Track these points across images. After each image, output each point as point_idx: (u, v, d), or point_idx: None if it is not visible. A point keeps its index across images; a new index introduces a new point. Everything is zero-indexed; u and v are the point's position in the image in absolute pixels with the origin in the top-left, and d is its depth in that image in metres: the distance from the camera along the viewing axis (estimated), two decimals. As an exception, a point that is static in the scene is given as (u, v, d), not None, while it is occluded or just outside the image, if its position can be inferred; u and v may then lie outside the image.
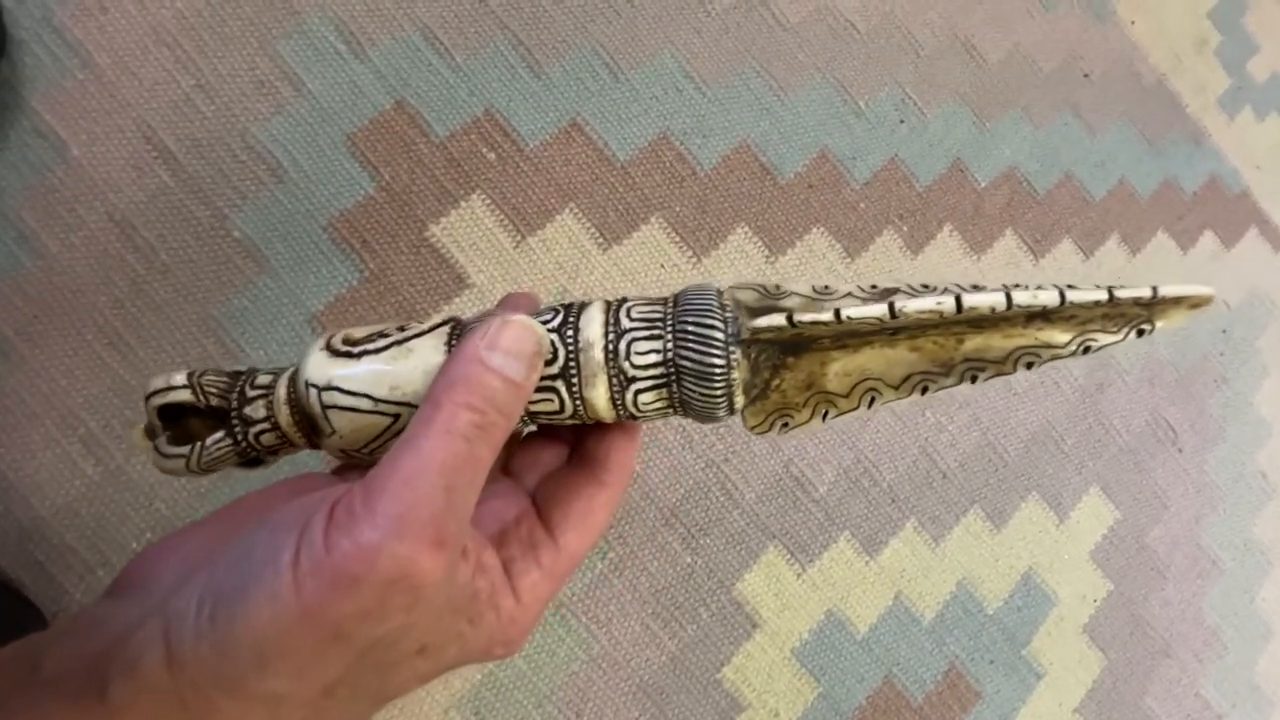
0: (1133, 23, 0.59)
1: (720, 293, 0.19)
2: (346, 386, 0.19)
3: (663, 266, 0.46)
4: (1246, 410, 0.59)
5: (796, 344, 0.19)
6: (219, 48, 0.39)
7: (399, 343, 0.19)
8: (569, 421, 0.19)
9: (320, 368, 0.19)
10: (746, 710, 0.44)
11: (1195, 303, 0.18)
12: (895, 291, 0.18)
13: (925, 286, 0.19)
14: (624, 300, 0.20)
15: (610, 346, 0.18)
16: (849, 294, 0.19)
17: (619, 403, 0.19)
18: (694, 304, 0.19)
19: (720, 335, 0.18)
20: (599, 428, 0.21)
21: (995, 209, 0.54)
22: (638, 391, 0.18)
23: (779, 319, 0.18)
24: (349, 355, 0.19)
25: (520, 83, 0.44)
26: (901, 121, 0.52)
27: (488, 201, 0.43)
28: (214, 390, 0.20)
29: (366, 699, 0.16)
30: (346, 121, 0.41)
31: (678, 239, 0.46)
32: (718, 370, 0.18)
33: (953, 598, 0.49)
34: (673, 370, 0.18)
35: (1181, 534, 0.56)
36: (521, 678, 0.40)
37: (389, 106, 0.41)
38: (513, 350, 0.17)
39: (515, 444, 0.22)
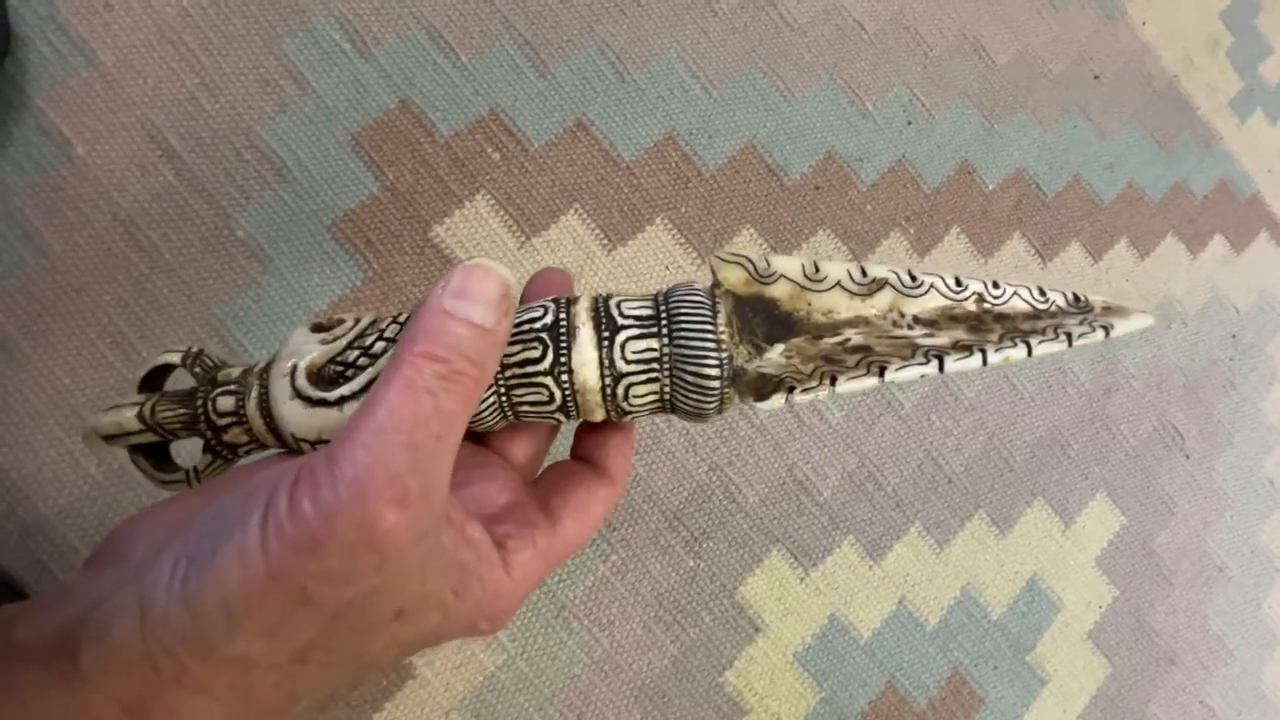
0: (1144, 24, 0.59)
1: (712, 291, 0.20)
2: (328, 438, 0.19)
3: (667, 268, 0.45)
4: (1255, 416, 0.58)
5: (784, 323, 0.20)
6: (224, 46, 0.39)
7: (362, 392, 0.18)
8: (557, 416, 0.19)
9: (299, 419, 0.19)
10: (748, 714, 0.44)
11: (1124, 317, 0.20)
12: (885, 284, 0.20)
13: (912, 277, 0.20)
14: (610, 296, 0.20)
15: (605, 342, 0.18)
16: (838, 282, 0.20)
17: (610, 397, 0.19)
18: (687, 308, 0.19)
19: (714, 347, 0.18)
20: (594, 430, 0.21)
21: (1003, 211, 0.53)
22: (629, 387, 0.18)
23: (779, 401, 0.19)
24: (324, 404, 0.18)
25: (525, 82, 0.44)
26: (909, 123, 0.51)
27: (492, 202, 0.42)
28: (173, 422, 0.20)
29: (343, 666, 0.15)
30: (351, 121, 0.41)
31: (683, 240, 0.46)
32: (711, 386, 0.18)
33: (957, 603, 0.49)
34: (667, 370, 0.18)
35: (1188, 540, 0.55)
36: (523, 680, 0.40)
37: (394, 106, 0.41)
38: (475, 294, 0.16)
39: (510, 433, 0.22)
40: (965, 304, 0.20)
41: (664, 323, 0.18)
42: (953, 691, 0.48)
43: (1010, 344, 0.19)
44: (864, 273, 0.20)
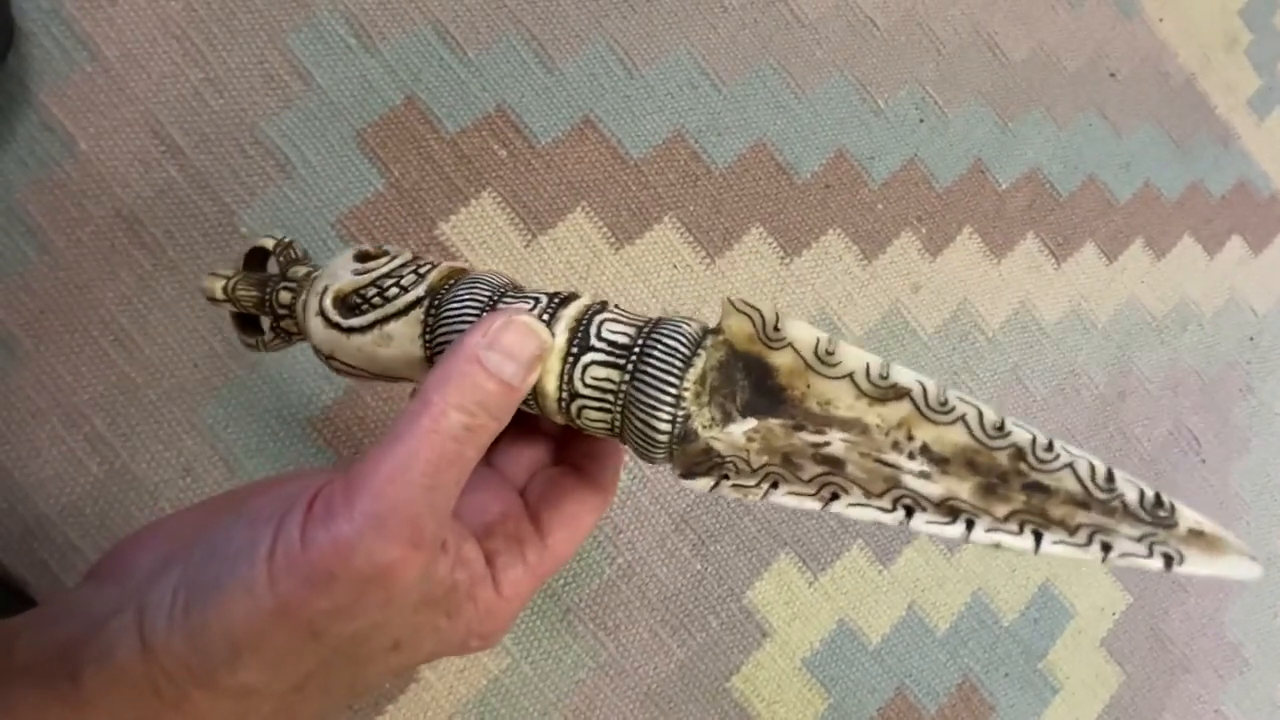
0: (1161, 20, 0.58)
1: (700, 336, 0.18)
2: (343, 359, 0.20)
3: (675, 267, 0.45)
4: (1273, 420, 0.57)
5: (771, 396, 0.17)
6: (228, 41, 0.39)
7: (381, 321, 0.20)
8: (528, 404, 0.19)
9: (320, 335, 0.20)
10: (755, 720, 0.43)
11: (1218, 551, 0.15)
12: (905, 394, 0.17)
13: (943, 401, 0.16)
14: (603, 309, 0.19)
15: (571, 358, 0.18)
16: (850, 373, 0.17)
17: (564, 410, 0.18)
18: (660, 351, 0.17)
19: (670, 404, 0.17)
20: (585, 436, 0.20)
21: (1016, 211, 0.52)
22: (581, 408, 0.18)
23: (704, 485, 0.16)
24: (338, 329, 0.20)
25: (533, 78, 0.43)
26: (921, 121, 0.51)
27: (498, 199, 0.42)
28: (247, 300, 0.24)
29: (337, 693, 0.15)
30: (356, 117, 0.40)
31: (691, 239, 0.45)
32: (657, 440, 0.17)
33: (967, 609, 0.48)
34: (619, 405, 0.17)
35: (1204, 546, 0.54)
36: (528, 684, 0.40)
37: (399, 102, 0.41)
38: (512, 353, 0.16)
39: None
40: (996, 454, 0.16)
41: (634, 357, 0.17)
42: (963, 699, 0.47)
43: (1015, 529, 0.15)
44: (885, 373, 0.16)
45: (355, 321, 0.20)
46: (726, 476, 0.16)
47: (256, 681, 0.14)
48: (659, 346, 0.17)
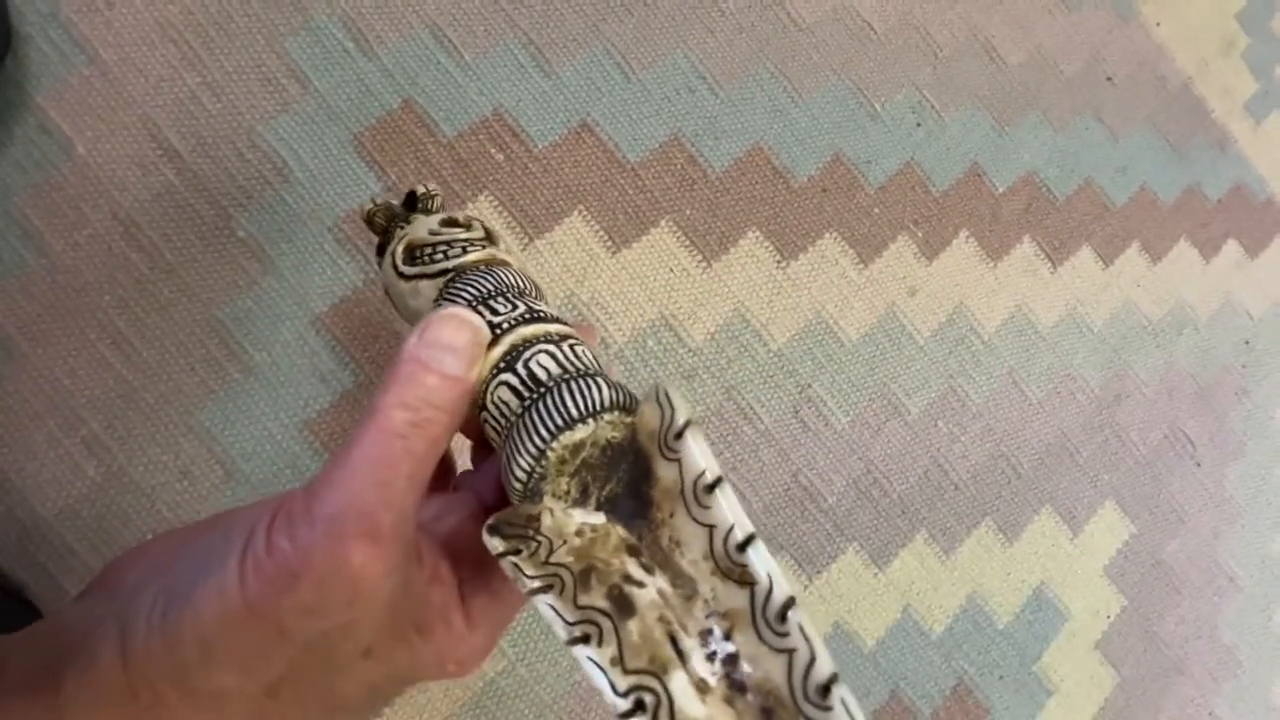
0: (1158, 24, 0.58)
1: (607, 406, 0.17)
2: (390, 295, 0.25)
3: (672, 270, 0.45)
4: (1268, 424, 0.58)
5: (638, 504, 0.15)
6: (225, 44, 0.39)
7: (419, 277, 0.23)
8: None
9: (385, 271, 0.25)
10: (750, 723, 0.43)
11: None
12: (750, 584, 0.14)
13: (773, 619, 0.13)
14: (559, 341, 0.19)
15: (494, 373, 0.18)
16: (712, 528, 0.14)
17: (478, 418, 0.19)
18: (552, 403, 0.17)
19: (531, 455, 0.16)
20: None
21: (1013, 215, 0.53)
22: (484, 420, 0.19)
23: (496, 545, 0.15)
24: (395, 271, 0.24)
25: (530, 82, 0.43)
26: (918, 124, 0.51)
27: (496, 203, 0.42)
28: (375, 227, 0.28)
29: (313, 703, 0.16)
30: (353, 120, 0.40)
31: (688, 243, 0.45)
32: (512, 483, 0.17)
33: (962, 611, 0.48)
34: (504, 433, 0.18)
35: (1198, 550, 0.54)
36: (523, 686, 0.40)
37: (397, 106, 0.41)
38: (447, 344, 0.17)
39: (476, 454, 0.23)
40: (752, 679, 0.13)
41: (536, 396, 0.17)
42: (958, 701, 0.47)
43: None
44: (742, 547, 0.13)
45: (405, 269, 0.23)
46: (520, 551, 0.15)
47: (229, 683, 0.14)
48: (556, 397, 0.17)
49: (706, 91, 0.46)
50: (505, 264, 0.23)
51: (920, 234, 0.50)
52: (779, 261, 0.47)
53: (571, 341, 0.19)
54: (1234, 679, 0.54)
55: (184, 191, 0.38)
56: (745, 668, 0.13)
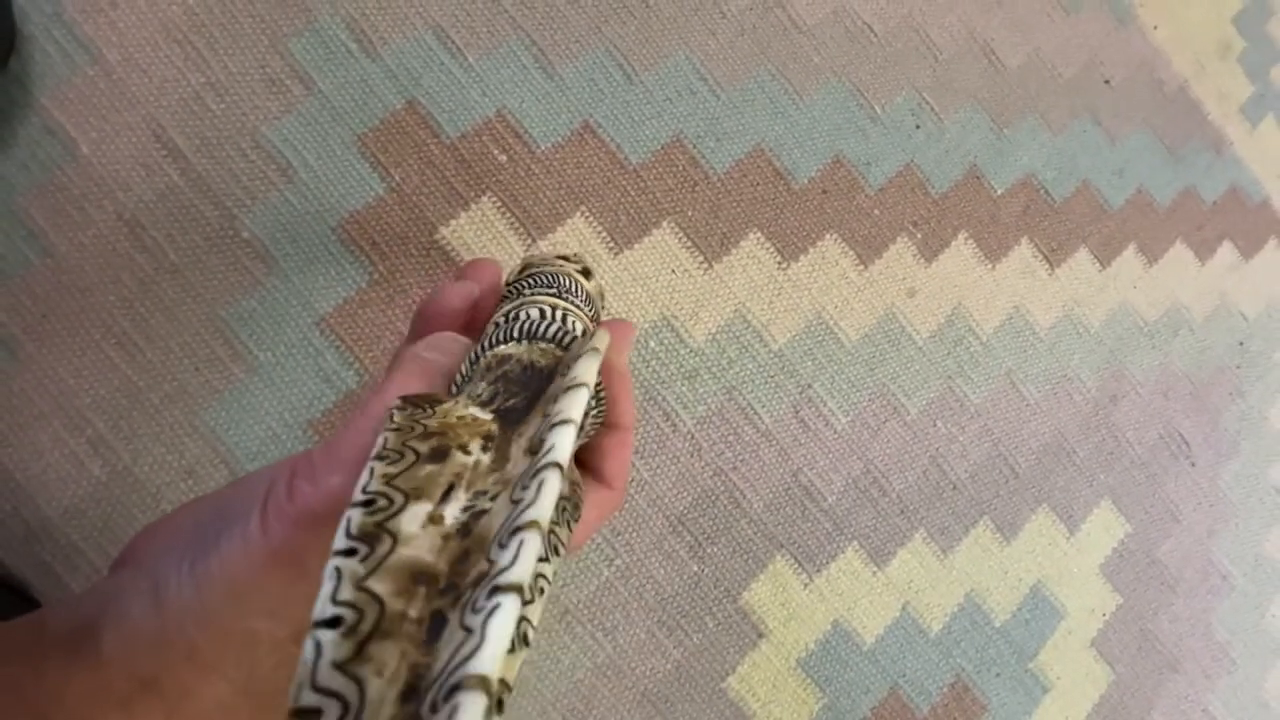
0: (1155, 28, 0.58)
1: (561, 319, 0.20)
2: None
3: (673, 271, 0.45)
4: (1261, 424, 0.58)
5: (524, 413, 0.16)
6: (229, 45, 0.39)
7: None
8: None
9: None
10: (751, 720, 0.43)
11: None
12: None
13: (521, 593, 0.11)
14: (540, 302, 0.21)
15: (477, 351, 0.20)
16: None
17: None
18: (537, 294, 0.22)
19: (466, 363, 0.19)
20: (590, 442, 0.21)
21: (1011, 217, 0.53)
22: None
23: (392, 413, 0.16)
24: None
25: (533, 83, 0.43)
26: (918, 127, 0.51)
27: (498, 204, 0.42)
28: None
29: None
30: (357, 121, 0.40)
31: (689, 244, 0.45)
32: (454, 380, 0.19)
33: (960, 609, 0.48)
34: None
35: (1192, 548, 0.55)
36: (525, 685, 0.40)
37: (400, 106, 0.41)
38: (434, 342, 0.19)
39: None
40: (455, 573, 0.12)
41: (499, 323, 0.20)
42: (955, 698, 0.48)
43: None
44: (550, 430, 0.13)
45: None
46: (406, 410, 0.15)
47: (258, 626, 0.15)
48: (507, 322, 0.20)
49: (708, 93, 0.47)
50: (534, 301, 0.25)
51: (919, 235, 0.50)
52: (780, 263, 0.47)
53: (565, 310, 0.21)
54: (1227, 676, 0.54)
55: (188, 192, 0.38)
56: (483, 521, 0.13)
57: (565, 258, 0.28)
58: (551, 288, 0.23)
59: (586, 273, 0.27)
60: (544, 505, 0.12)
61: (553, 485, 0.12)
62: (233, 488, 0.18)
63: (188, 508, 0.18)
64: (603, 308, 0.30)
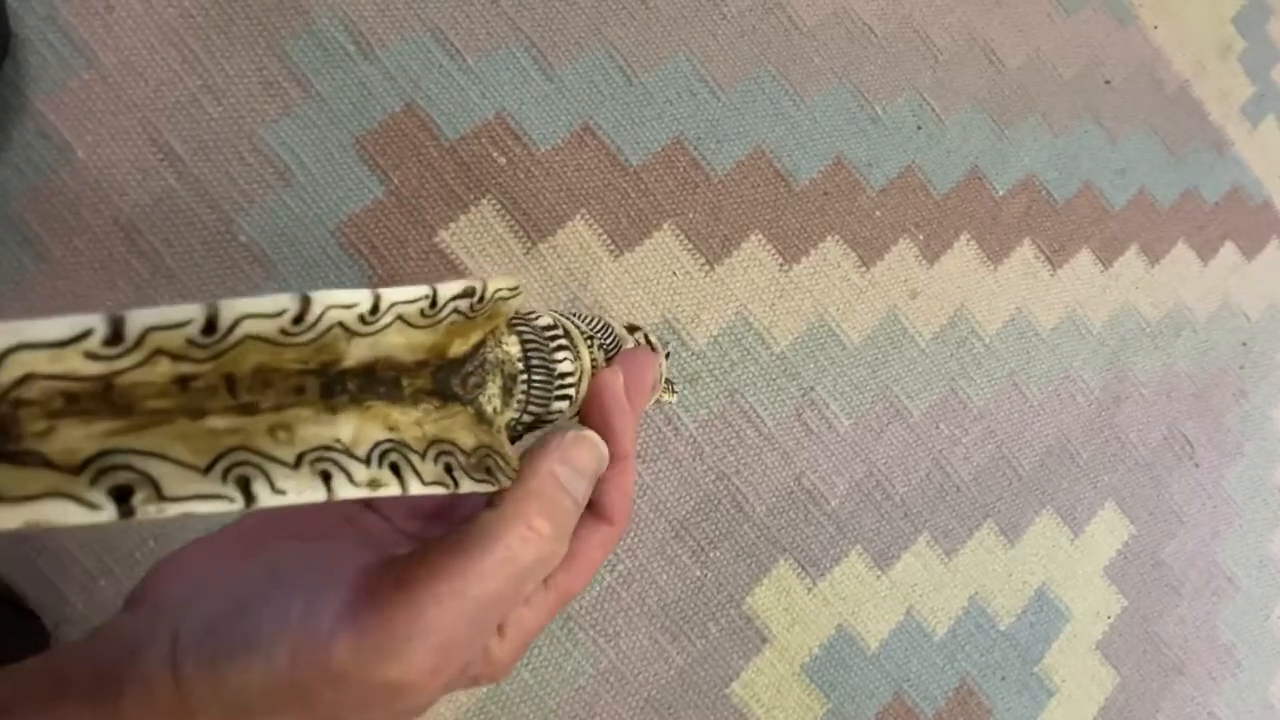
0: (1155, 28, 0.58)
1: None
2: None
3: (674, 274, 0.45)
4: (1265, 425, 0.58)
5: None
6: (226, 48, 0.39)
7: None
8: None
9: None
10: (755, 726, 0.43)
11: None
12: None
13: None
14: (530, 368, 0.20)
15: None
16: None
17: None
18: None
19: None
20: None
21: (1013, 218, 0.53)
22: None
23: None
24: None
25: (532, 85, 0.43)
26: (919, 128, 0.51)
27: (498, 207, 0.42)
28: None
29: None
30: (355, 124, 0.40)
31: (690, 246, 0.45)
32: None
33: (965, 613, 0.48)
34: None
35: (1197, 550, 0.55)
36: (528, 691, 0.40)
37: (398, 109, 0.41)
38: (582, 467, 0.17)
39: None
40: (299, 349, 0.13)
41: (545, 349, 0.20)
42: (960, 702, 0.47)
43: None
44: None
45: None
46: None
47: None
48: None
49: (708, 95, 0.46)
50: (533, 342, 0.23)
51: (921, 237, 0.50)
52: (781, 265, 0.47)
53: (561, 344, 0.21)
54: (1233, 678, 0.54)
55: (185, 196, 0.37)
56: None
57: (634, 327, 0.29)
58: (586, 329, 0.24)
59: (634, 329, 0.29)
60: (364, 301, 0.13)
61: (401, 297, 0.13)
62: (256, 555, 0.17)
63: (205, 551, 0.18)
64: (662, 380, 0.29)
